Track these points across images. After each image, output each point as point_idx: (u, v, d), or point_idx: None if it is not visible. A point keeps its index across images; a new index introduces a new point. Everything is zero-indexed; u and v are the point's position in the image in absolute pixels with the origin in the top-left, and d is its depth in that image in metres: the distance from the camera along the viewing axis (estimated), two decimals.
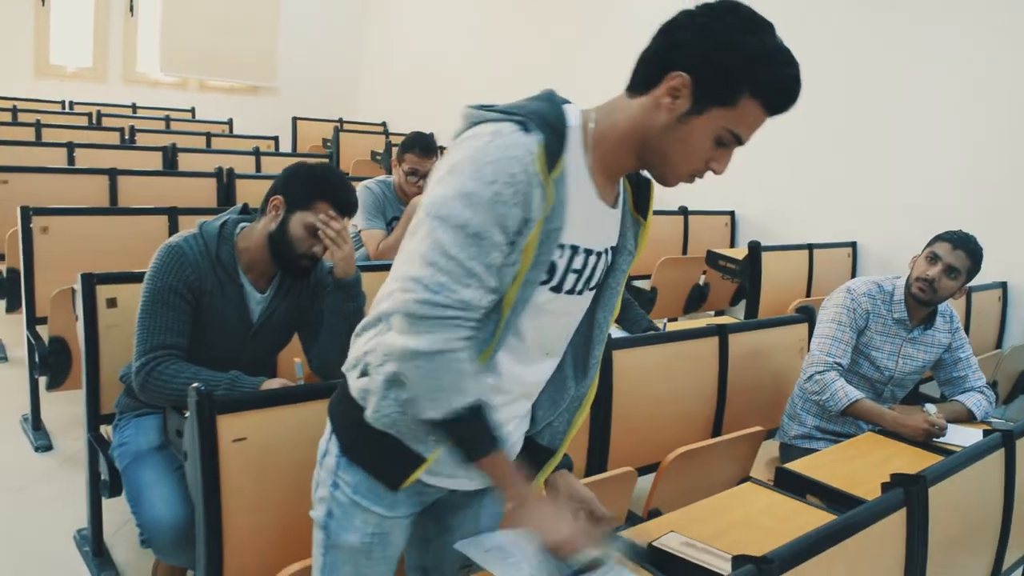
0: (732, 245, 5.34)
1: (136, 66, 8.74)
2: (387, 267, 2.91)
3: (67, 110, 7.61)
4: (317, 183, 2.09)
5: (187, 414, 1.68)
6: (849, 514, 1.44)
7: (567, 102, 1.24)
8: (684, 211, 5.25)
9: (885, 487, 1.57)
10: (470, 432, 1.18)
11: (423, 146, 3.40)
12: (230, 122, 7.84)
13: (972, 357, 2.74)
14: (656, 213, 5.46)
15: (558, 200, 1.17)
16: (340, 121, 8.33)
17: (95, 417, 2.33)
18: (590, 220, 1.25)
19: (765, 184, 5.23)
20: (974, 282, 2.72)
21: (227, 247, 2.07)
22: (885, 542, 1.50)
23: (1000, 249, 3.46)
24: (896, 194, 4.49)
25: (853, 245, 4.73)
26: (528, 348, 1.28)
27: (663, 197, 6.01)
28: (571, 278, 1.25)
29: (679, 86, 1.16)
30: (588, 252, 1.26)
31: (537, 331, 1.27)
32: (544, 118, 1.17)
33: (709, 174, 1.24)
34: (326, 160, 6.37)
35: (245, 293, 2.11)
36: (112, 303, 2.31)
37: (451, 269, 1.12)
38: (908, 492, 1.54)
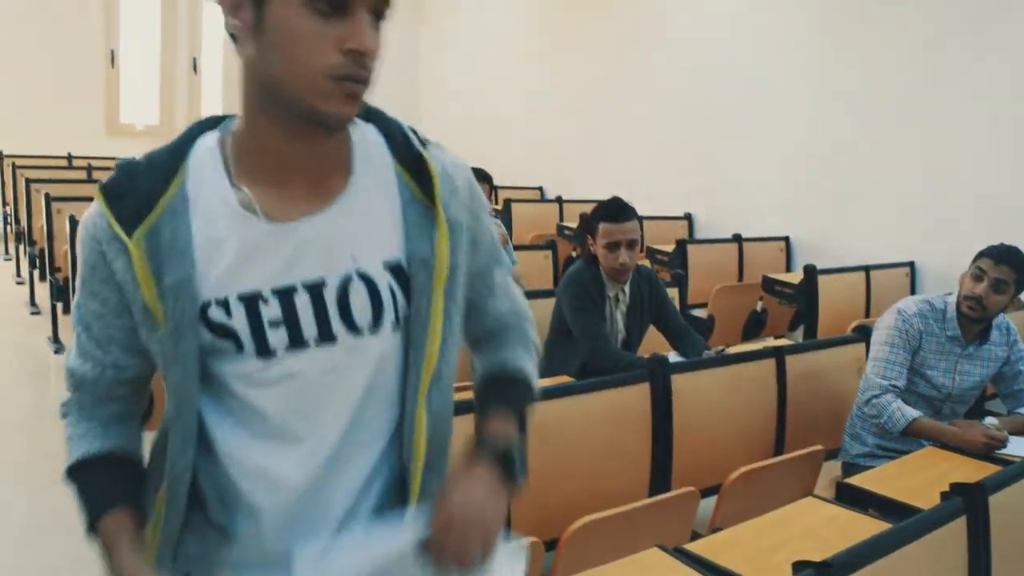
0: (788, 270, 5.34)
1: None
2: None
3: None
4: None
5: None
6: (908, 521, 1.48)
7: (221, 120, 1.02)
8: (738, 238, 5.28)
9: (944, 496, 1.60)
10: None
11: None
12: None
13: None
14: (709, 241, 5.44)
15: (175, 249, 0.93)
16: None
17: None
18: (265, 252, 0.95)
19: (818, 207, 5.23)
20: None
21: None
22: (946, 551, 1.53)
23: None
24: (953, 211, 4.47)
25: (911, 265, 4.71)
26: (278, 433, 0.99)
27: (716, 224, 5.97)
28: (278, 332, 0.96)
29: None
30: (285, 292, 0.96)
31: (284, 409, 0.98)
32: (135, 165, 0.97)
33: None
34: None
35: None
36: None
37: (78, 343, 1.06)
38: (968, 500, 1.57)
